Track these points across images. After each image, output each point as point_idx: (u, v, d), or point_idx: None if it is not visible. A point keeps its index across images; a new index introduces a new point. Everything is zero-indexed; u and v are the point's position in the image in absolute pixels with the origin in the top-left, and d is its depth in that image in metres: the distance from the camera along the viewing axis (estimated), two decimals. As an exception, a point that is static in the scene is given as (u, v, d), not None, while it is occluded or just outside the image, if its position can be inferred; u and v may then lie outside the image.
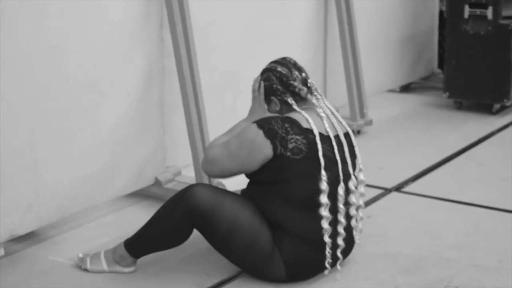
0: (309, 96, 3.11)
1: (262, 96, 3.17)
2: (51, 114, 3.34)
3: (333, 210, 3.05)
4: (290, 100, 3.11)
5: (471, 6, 5.52)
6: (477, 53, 5.54)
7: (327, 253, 3.05)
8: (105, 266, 3.19)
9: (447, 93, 5.71)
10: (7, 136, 3.16)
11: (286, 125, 3.00)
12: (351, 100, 5.11)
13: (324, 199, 3.00)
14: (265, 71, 3.18)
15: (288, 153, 2.97)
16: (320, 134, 3.04)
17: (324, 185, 2.99)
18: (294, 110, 3.10)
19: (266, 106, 3.18)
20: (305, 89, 3.11)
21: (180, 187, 3.45)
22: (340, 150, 3.09)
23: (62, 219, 3.58)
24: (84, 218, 3.73)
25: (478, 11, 5.50)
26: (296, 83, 3.11)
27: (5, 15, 3.08)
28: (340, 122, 3.17)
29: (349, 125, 4.98)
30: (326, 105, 3.14)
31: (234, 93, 4.42)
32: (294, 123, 3.02)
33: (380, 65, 5.85)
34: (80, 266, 3.23)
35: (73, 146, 3.46)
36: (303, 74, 3.15)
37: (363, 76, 5.19)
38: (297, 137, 2.99)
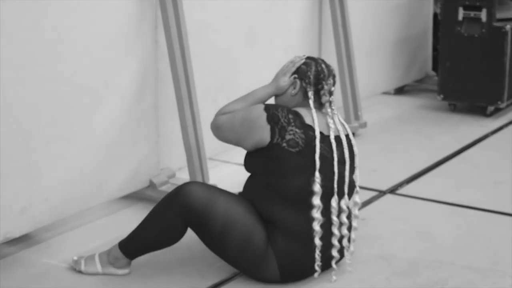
0: (326, 104, 3.15)
1: (293, 69, 3.19)
2: (45, 117, 3.34)
3: (326, 213, 3.05)
4: (310, 94, 3.14)
5: (465, 8, 5.53)
6: (471, 55, 5.55)
7: (316, 256, 3.05)
8: (99, 268, 3.18)
9: (441, 96, 5.72)
10: (1, 138, 3.15)
11: (290, 116, 3.03)
12: (346, 103, 5.11)
13: (316, 201, 3.00)
14: (311, 59, 3.22)
15: (284, 144, 2.99)
16: (321, 133, 3.06)
17: (317, 187, 3.00)
18: (305, 105, 3.13)
19: (287, 80, 3.19)
20: (328, 97, 3.15)
21: (174, 190, 3.46)
22: (339, 150, 3.10)
23: (56, 221, 3.57)
24: (79, 221, 3.73)
25: (472, 14, 5.51)
26: (326, 87, 3.15)
27: (0, 18, 3.07)
28: (345, 127, 3.20)
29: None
30: (338, 120, 3.18)
31: (229, 95, 4.39)
32: (298, 117, 3.05)
33: (375, 67, 5.85)
34: (75, 268, 3.23)
35: (67, 149, 3.46)
36: (333, 88, 3.20)
37: (358, 79, 5.19)
38: (297, 130, 3.01)
